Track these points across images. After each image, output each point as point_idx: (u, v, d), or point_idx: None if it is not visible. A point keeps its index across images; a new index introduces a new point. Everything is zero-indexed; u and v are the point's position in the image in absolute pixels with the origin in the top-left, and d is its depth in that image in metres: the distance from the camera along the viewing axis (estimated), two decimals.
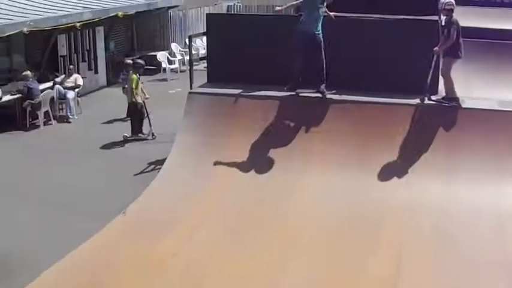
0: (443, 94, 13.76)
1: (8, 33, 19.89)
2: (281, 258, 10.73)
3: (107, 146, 18.38)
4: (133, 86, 18.01)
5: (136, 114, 18.69)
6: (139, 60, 19.68)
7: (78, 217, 13.20)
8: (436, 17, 13.88)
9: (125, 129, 19.42)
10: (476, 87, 14.46)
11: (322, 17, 13.94)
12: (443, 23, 13.45)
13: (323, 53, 13.90)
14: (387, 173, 12.82)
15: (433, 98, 13.72)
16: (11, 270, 11.31)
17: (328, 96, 14.01)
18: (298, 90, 14.27)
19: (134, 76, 18.22)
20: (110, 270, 10.54)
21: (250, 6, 38.51)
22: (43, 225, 13.04)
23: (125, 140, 18.68)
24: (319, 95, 14.02)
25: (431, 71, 13.56)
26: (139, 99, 18.30)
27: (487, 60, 15.23)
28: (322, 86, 13.95)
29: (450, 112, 13.47)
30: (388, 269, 10.24)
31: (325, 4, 14.00)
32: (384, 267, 10.31)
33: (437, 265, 10.33)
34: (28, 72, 20.51)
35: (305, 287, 10.01)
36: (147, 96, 19.36)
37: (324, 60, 13.94)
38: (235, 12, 37.12)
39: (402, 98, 13.81)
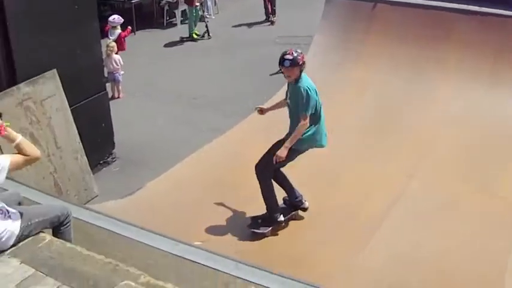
0: None
1: None
2: (410, 167, 10.68)
3: (242, 46, 18.52)
4: None
5: None
6: None
7: (213, 114, 13.49)
8: None
9: (259, 29, 19.60)
10: None
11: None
12: None
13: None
14: None
15: None
16: (149, 161, 11.79)
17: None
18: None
19: None
20: (239, 165, 10.75)
21: None
22: (179, 120, 13.39)
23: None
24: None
25: None
26: None
27: None
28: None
29: None
30: None
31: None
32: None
33: None
34: None
35: (430, 198, 9.90)
36: None
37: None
38: None
39: None
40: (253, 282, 6.00)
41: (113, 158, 12.35)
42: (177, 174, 10.70)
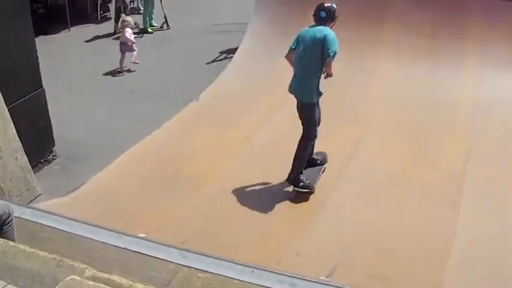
0: None
1: None
2: (351, 147, 10.85)
3: (177, 36, 18.48)
4: None
5: None
6: None
7: (151, 106, 13.40)
8: None
9: (193, 19, 19.53)
10: None
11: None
12: None
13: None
14: (458, 65, 12.62)
15: None
16: (90, 156, 11.67)
17: None
18: None
19: None
20: (181, 154, 10.78)
21: None
22: (118, 114, 13.29)
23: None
24: None
25: None
26: None
27: None
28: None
29: None
30: (456, 166, 10.18)
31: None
32: (452, 164, 10.26)
33: (506, 161, 10.21)
34: None
35: (372, 176, 10.06)
36: None
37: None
38: None
39: None
40: (200, 270, 6.01)
41: (53, 156, 12.19)
42: (119, 167, 10.65)
